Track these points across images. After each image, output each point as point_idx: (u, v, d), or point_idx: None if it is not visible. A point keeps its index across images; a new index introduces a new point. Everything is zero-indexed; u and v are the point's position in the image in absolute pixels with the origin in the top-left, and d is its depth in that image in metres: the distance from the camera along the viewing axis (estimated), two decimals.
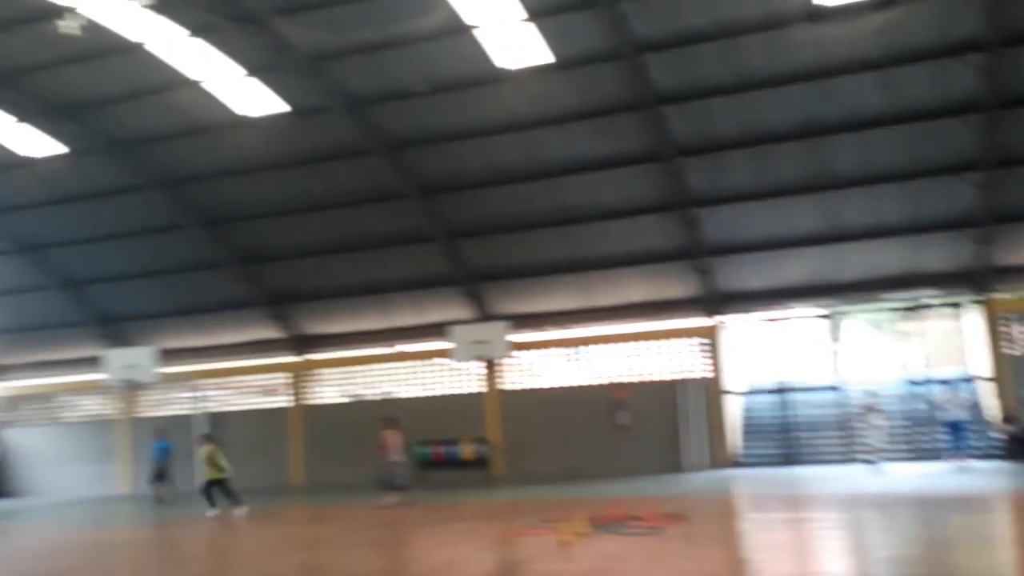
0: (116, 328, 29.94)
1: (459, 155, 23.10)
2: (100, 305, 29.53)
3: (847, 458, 22.99)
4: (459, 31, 19.17)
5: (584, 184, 23.04)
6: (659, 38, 19.31)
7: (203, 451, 19.29)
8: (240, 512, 18.53)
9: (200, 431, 25.11)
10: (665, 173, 21.95)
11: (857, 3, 17.82)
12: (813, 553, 11.34)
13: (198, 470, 19.89)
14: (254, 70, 21.09)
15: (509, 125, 22.00)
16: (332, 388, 28.47)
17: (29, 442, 31.65)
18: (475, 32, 19.34)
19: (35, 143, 24.25)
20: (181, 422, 28.82)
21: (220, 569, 12.16)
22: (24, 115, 22.87)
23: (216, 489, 18.96)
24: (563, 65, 20.18)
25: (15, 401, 32.33)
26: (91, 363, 29.96)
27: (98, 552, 15.45)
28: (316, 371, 28.56)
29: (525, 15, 18.82)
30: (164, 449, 23.56)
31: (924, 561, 10.20)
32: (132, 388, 29.45)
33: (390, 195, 24.19)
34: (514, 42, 19.63)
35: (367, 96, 21.74)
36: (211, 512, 18.59)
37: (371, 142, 22.60)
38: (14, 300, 30.07)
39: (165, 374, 28.68)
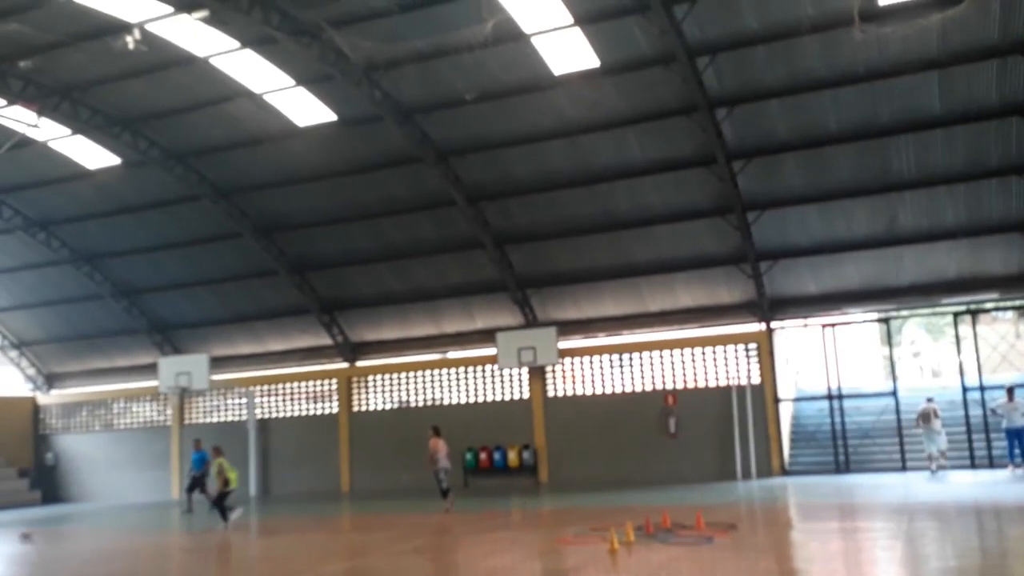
0: (170, 336, 30.47)
1: (508, 162, 23.13)
2: (154, 313, 30.07)
3: (902, 466, 22.51)
4: (509, 38, 19.16)
5: (633, 189, 22.92)
6: (712, 41, 19.14)
7: (215, 463, 19.29)
8: (221, 528, 18.44)
9: (244, 438, 25.32)
10: (717, 177, 21.72)
11: (917, 2, 17.40)
12: (867, 564, 11.09)
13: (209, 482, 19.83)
14: (307, 81, 21.33)
15: (558, 131, 21.97)
16: (380, 394, 28.61)
17: (84, 448, 32.28)
18: (526, 39, 19.34)
19: (93, 155, 24.77)
20: (233, 429, 29.20)
21: (272, 575, 12.21)
22: (82, 127, 23.37)
23: (221, 502, 18.95)
24: (613, 70, 20.10)
25: (71, 408, 33.01)
26: (145, 370, 30.54)
27: (149, 558, 15.66)
28: (365, 378, 28.73)
29: (575, 21, 18.76)
30: (201, 459, 23.81)
31: (981, 573, 9.90)
32: (185, 395, 29.91)
33: (439, 202, 24.29)
34: (564, 48, 19.62)
35: (417, 105, 21.87)
36: (222, 525, 18.53)
37: (420, 150, 22.71)
38: (71, 308, 30.74)
39: (217, 381, 29.09)
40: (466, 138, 22.68)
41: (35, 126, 22.01)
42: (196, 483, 23.64)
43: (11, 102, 21.61)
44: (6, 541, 19.20)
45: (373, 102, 21.31)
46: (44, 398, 33.36)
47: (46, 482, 31.59)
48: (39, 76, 21.24)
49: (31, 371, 33.36)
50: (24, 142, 23.22)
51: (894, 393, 23.85)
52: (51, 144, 24.34)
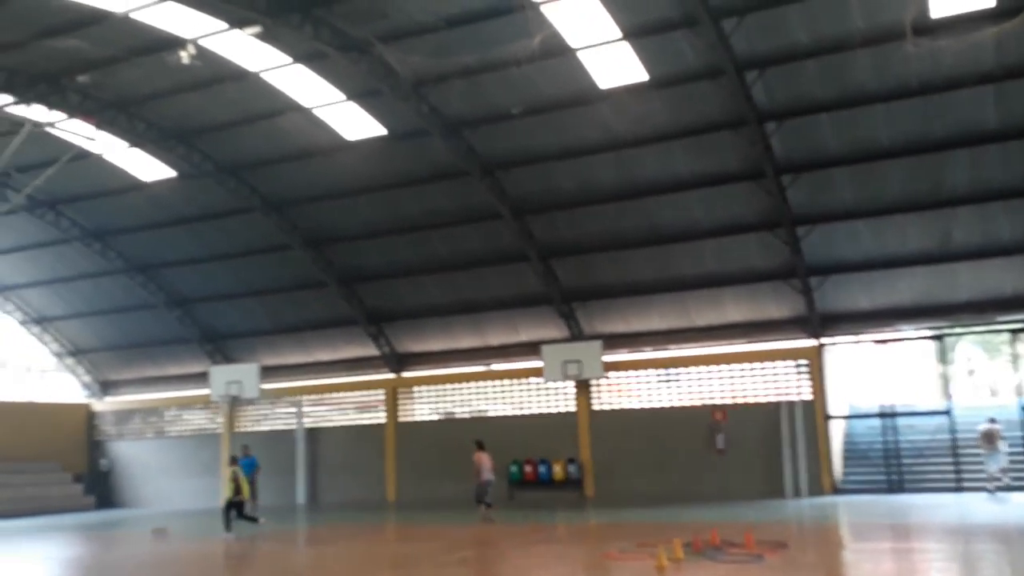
0: (221, 345, 30.97)
1: (553, 175, 23.16)
2: (206, 323, 30.60)
3: (957, 486, 22.01)
4: (556, 53, 19.21)
5: (679, 203, 22.81)
6: (761, 55, 18.99)
7: (229, 471, 19.56)
8: (229, 536, 18.63)
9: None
10: (765, 191, 21.52)
11: (972, 15, 17.10)
12: None
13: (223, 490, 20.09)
14: (356, 95, 21.59)
15: (604, 144, 21.95)
16: (426, 405, 28.74)
17: (137, 454, 32.91)
18: (572, 53, 19.37)
19: (148, 167, 25.33)
20: (281, 437, 29.54)
21: None
22: (138, 140, 23.91)
23: (233, 511, 19.12)
24: (661, 83, 20.04)
25: (124, 415, 33.66)
26: (197, 379, 31.06)
27: (198, 564, 15.88)
28: (411, 388, 28.89)
29: (623, 35, 18.76)
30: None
31: None
32: (235, 403, 30.36)
33: (485, 215, 24.40)
34: (611, 62, 19.60)
35: (464, 119, 22.01)
36: (225, 534, 18.74)
37: (467, 164, 22.85)
38: (125, 317, 31.40)
39: (267, 390, 29.48)
40: (512, 152, 22.76)
41: (93, 139, 22.58)
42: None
43: (70, 115, 22.20)
44: (63, 545, 19.64)
45: (420, 116, 21.50)
46: (98, 405, 34.08)
47: (100, 487, 32.24)
48: (97, 90, 21.81)
49: (86, 378, 34.10)
50: (82, 154, 23.82)
51: (949, 412, 23.36)
52: (108, 157, 24.93)
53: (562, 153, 22.39)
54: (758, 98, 19.91)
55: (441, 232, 25.39)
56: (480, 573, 13.07)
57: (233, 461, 20.26)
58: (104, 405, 34.02)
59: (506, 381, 27.64)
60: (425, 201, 24.66)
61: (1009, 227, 21.05)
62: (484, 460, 20.31)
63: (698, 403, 24.82)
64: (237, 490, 19.15)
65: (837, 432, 24.16)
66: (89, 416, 33.94)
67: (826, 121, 20.29)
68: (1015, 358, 22.88)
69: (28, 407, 33.03)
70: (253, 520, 19.59)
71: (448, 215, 24.84)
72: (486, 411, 27.78)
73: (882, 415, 23.63)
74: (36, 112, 21.82)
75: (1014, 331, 23.38)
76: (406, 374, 29.04)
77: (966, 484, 22.00)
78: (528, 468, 25.91)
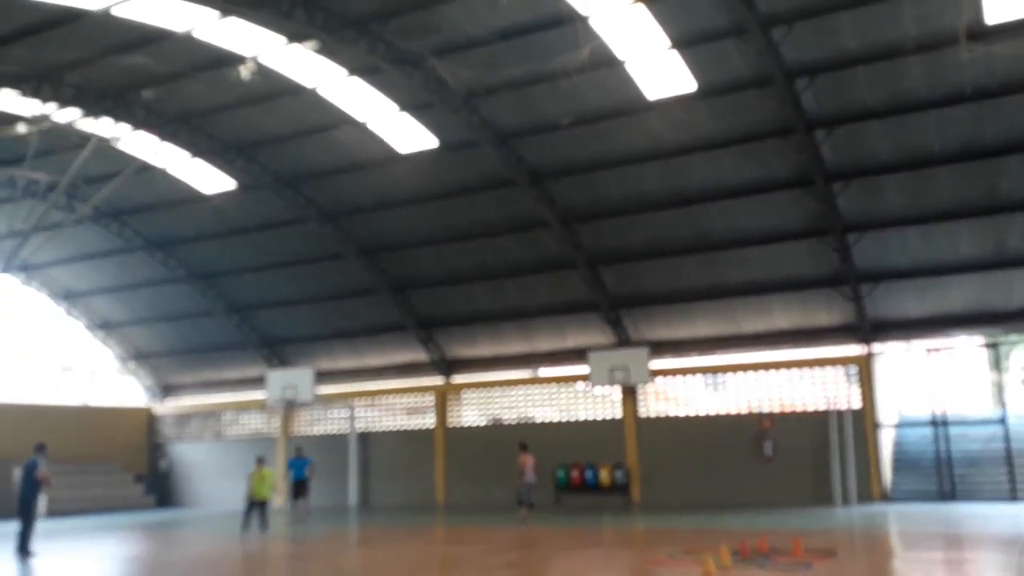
0: (277, 350, 31.71)
1: (601, 184, 23.39)
2: (263, 328, 31.37)
3: (1012, 496, 21.72)
4: (605, 64, 19.46)
5: (728, 210, 22.88)
6: (810, 62, 19.05)
7: (258, 472, 20.34)
8: (247, 534, 19.49)
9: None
10: (814, 198, 21.50)
11: None
12: None
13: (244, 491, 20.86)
14: (408, 107, 22.08)
15: (652, 153, 22.14)
16: (474, 410, 29.11)
17: (195, 456, 33.85)
18: (621, 64, 19.61)
19: (208, 179, 26.12)
20: (334, 441, 30.14)
21: None
22: (198, 152, 24.68)
23: (256, 510, 19.98)
24: (709, 92, 20.18)
25: (184, 418, 34.61)
26: (253, 383, 31.83)
27: (253, 564, 16.34)
28: (460, 393, 29.29)
29: (672, 44, 18.94)
30: (302, 466, 24.49)
31: None
32: (291, 407, 31.04)
33: (533, 224, 24.73)
34: (660, 71, 19.79)
35: (514, 130, 22.39)
36: (240, 535, 19.58)
37: (515, 173, 23.20)
38: (185, 324, 32.36)
39: (321, 394, 30.11)
40: (561, 161, 23.07)
41: (156, 152, 23.33)
42: (299, 490, 24.23)
43: (135, 129, 22.99)
44: (121, 542, 20.33)
45: (471, 128, 21.90)
46: (159, 408, 35.10)
47: (160, 488, 33.21)
48: (160, 105, 22.58)
49: (148, 382, 35.12)
50: (146, 167, 24.64)
51: (1003, 420, 23.05)
52: (170, 169, 25.76)
53: (610, 162, 22.64)
54: (807, 105, 19.95)
55: (490, 240, 25.78)
56: None
57: (261, 463, 20.87)
58: (164, 408, 35.03)
59: (553, 387, 27.89)
60: (475, 210, 25.07)
61: None
62: (528, 461, 21.08)
63: (745, 410, 24.83)
64: (260, 491, 20.10)
65: (887, 440, 23.97)
66: (150, 419, 34.98)
67: (877, 128, 20.23)
68: None
69: (92, 411, 34.16)
70: (248, 521, 20.07)
71: (497, 224, 25.22)
72: (533, 416, 28.06)
73: (934, 423, 23.39)
74: (103, 126, 22.64)
75: None
76: (455, 379, 29.46)
77: (1021, 493, 21.70)
78: (575, 473, 26.11)
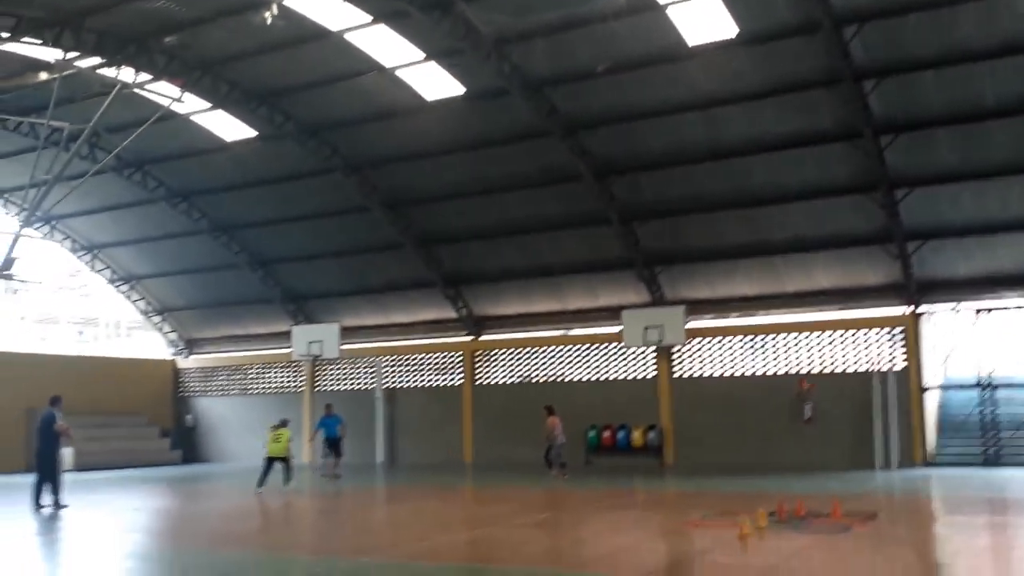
0: (302, 305, 31.37)
1: (637, 135, 22.58)
2: (288, 283, 31.00)
3: None
4: (644, 8, 18.61)
5: (770, 164, 22.04)
6: (860, 9, 18.06)
7: (282, 431, 20.45)
8: (261, 490, 19.49)
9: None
10: (861, 152, 20.61)
11: None
12: (1019, 562, 10.34)
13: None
14: (436, 55, 21.30)
15: (691, 103, 21.29)
16: (503, 369, 28.65)
17: (221, 411, 33.70)
18: (661, 9, 18.72)
19: (231, 128, 25.57)
20: (360, 397, 29.87)
21: (396, 541, 12.34)
22: (221, 101, 24.11)
23: (282, 466, 20.07)
24: (752, 40, 19.26)
25: (209, 372, 34.47)
26: (279, 338, 31.56)
27: (282, 517, 16.13)
28: (488, 351, 28.82)
29: None
30: (333, 424, 24.28)
31: None
32: (316, 363, 30.77)
33: (565, 177, 23.99)
34: (700, 18, 18.88)
35: (547, 77, 21.54)
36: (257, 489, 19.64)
37: (548, 124, 22.42)
38: (209, 277, 31.99)
39: (346, 350, 29.77)
40: (595, 111, 22.23)
41: (179, 100, 22.83)
42: (333, 447, 24.03)
43: (157, 77, 22.46)
44: (153, 496, 20.21)
45: (502, 75, 21.12)
46: (184, 362, 34.97)
47: (185, 442, 33.14)
48: (183, 52, 21.96)
49: (172, 336, 34.98)
50: (168, 115, 24.10)
51: None
52: (193, 118, 25.23)
53: (647, 112, 21.78)
54: (855, 54, 18.98)
55: (521, 194, 25.06)
56: (558, 535, 12.89)
57: (282, 424, 20.84)
58: (189, 362, 34.90)
59: (585, 346, 27.31)
60: (505, 162, 24.35)
61: None
62: (556, 424, 21.71)
63: (785, 372, 24.14)
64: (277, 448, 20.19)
65: (931, 403, 23.25)
66: (175, 372, 34.88)
67: (929, 79, 19.25)
68: None
69: (117, 362, 34.12)
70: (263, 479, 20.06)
71: (528, 177, 24.49)
72: (564, 376, 27.55)
73: (980, 386, 22.65)
74: (125, 74, 22.15)
75: None
76: (484, 337, 28.97)
77: None
78: (606, 434, 25.63)
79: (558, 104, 22.27)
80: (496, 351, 28.71)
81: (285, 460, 20.11)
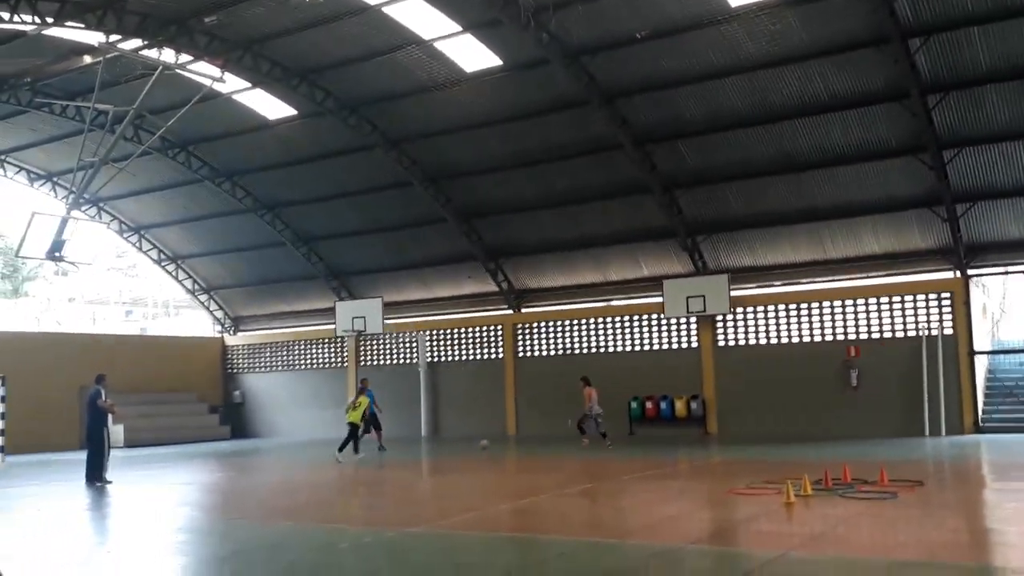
0: (345, 281, 31.63)
1: (679, 102, 22.32)
2: (331, 259, 31.26)
3: None
4: None
5: (816, 126, 21.71)
6: None
7: (363, 401, 21.09)
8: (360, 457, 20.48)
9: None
10: (910, 112, 20.16)
11: None
12: None
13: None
14: (473, 27, 21.18)
15: (734, 67, 20.95)
16: (545, 342, 28.63)
17: (268, 387, 34.22)
18: None
19: (272, 107, 25.74)
20: (404, 372, 30.10)
21: (446, 511, 12.47)
22: (262, 80, 24.25)
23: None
24: (795, 0, 18.81)
25: (256, 349, 34.97)
26: (323, 314, 31.89)
27: (330, 490, 16.33)
28: (530, 324, 28.83)
29: None
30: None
31: None
32: (360, 338, 31.04)
33: (606, 146, 23.81)
34: None
35: (585, 45, 21.32)
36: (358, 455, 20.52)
37: (587, 93, 22.21)
38: (254, 255, 32.40)
39: (390, 325, 29.97)
40: (634, 78, 21.98)
41: (220, 80, 23.00)
42: (372, 420, 24.20)
43: (198, 57, 22.65)
44: (203, 471, 20.59)
45: (540, 45, 20.93)
46: (231, 339, 35.52)
47: (234, 418, 33.74)
48: (223, 31, 22.13)
49: (219, 314, 35.52)
50: (210, 96, 24.31)
51: None
52: (234, 97, 25.43)
53: (689, 78, 21.51)
54: (902, 12, 18.51)
55: (560, 165, 24.94)
56: (605, 505, 12.91)
57: (361, 390, 21.49)
58: (236, 339, 35.42)
59: (627, 317, 27.19)
60: (544, 133, 24.21)
61: None
62: (592, 394, 22.12)
63: (831, 339, 23.82)
64: (362, 416, 20.82)
65: (981, 369, 22.81)
66: (223, 350, 35.44)
67: (976, 36, 18.74)
68: None
69: (166, 340, 34.79)
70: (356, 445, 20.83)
71: (568, 147, 24.34)
72: (606, 347, 27.46)
73: None
74: (166, 55, 22.35)
75: None
76: (525, 310, 28.98)
77: None
78: (649, 404, 25.57)
79: (596, 72, 22.03)
80: (538, 323, 28.72)
81: (356, 428, 20.75)
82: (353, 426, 20.63)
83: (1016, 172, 20.89)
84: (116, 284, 52.40)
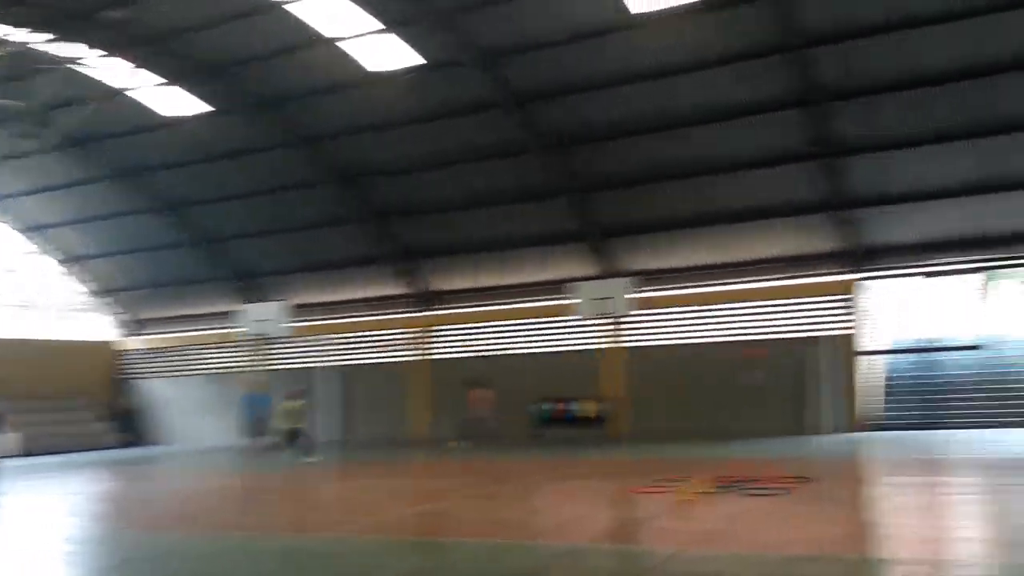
0: (251, 283, 30.89)
1: (588, 107, 22.53)
2: (237, 261, 30.50)
3: (997, 422, 21.43)
4: None
5: (719, 133, 22.14)
6: None
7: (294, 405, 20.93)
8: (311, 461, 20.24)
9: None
10: (809, 119, 20.76)
11: None
12: (947, 518, 10.64)
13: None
14: (391, 24, 20.94)
15: (641, 73, 21.27)
16: (456, 343, 28.52)
17: (165, 393, 33.13)
18: None
19: (176, 103, 24.94)
20: (312, 375, 29.60)
21: (346, 515, 12.27)
22: (167, 75, 23.47)
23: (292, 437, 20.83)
24: (702, 8, 19.28)
25: (153, 353, 33.81)
26: (226, 317, 31.08)
27: (226, 497, 15.92)
28: (441, 327, 28.67)
29: None
30: (262, 402, 24.19)
31: None
32: (265, 341, 30.35)
33: (517, 150, 23.90)
34: None
35: (498, 48, 21.35)
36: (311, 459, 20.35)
37: (499, 96, 22.22)
38: (155, 256, 31.34)
39: (296, 328, 29.44)
40: (546, 83, 22.15)
41: (125, 76, 22.27)
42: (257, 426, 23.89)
43: (104, 53, 21.84)
44: (93, 481, 19.83)
45: (454, 46, 20.86)
46: (127, 343, 34.26)
47: (128, 425, 32.43)
48: (129, 26, 21.30)
49: (117, 317, 34.23)
50: (112, 92, 23.53)
51: (992, 346, 22.68)
52: (137, 94, 24.56)
53: (597, 83, 21.73)
54: (806, 21, 19.05)
55: (472, 167, 24.88)
56: (509, 507, 12.89)
57: (299, 395, 21.37)
58: (133, 343, 34.18)
59: (535, 319, 27.26)
60: (457, 135, 24.12)
61: None
62: (479, 397, 22.81)
63: (732, 339, 24.36)
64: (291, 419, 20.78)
65: (876, 368, 23.63)
66: (117, 354, 34.12)
67: (874, 45, 19.45)
68: None
69: (53, 345, 32.85)
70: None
71: (480, 149, 24.31)
72: (515, 349, 27.49)
73: (923, 350, 23.03)
74: (71, 50, 21.52)
75: None
76: (437, 312, 28.81)
77: (1009, 420, 21.42)
78: (557, 406, 25.64)
79: (508, 76, 22.09)
80: (449, 326, 28.56)
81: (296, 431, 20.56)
82: (291, 432, 20.51)
83: (910, 179, 21.66)
84: (6, 285, 50.13)
